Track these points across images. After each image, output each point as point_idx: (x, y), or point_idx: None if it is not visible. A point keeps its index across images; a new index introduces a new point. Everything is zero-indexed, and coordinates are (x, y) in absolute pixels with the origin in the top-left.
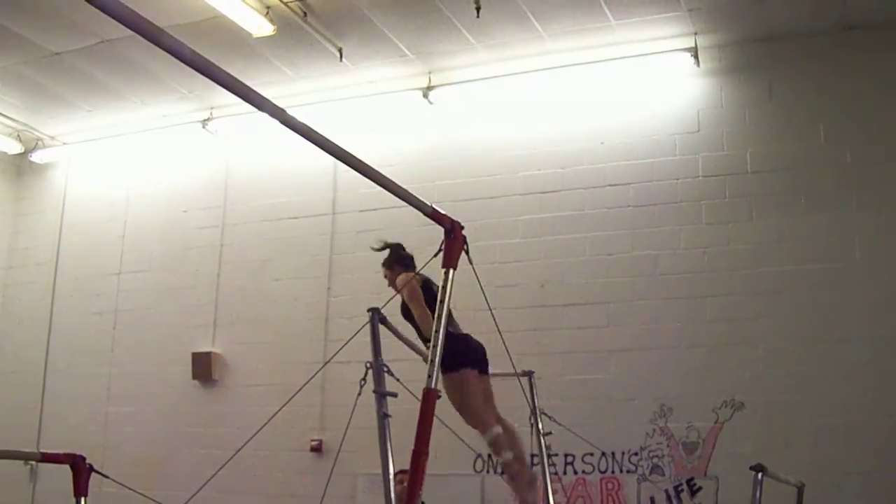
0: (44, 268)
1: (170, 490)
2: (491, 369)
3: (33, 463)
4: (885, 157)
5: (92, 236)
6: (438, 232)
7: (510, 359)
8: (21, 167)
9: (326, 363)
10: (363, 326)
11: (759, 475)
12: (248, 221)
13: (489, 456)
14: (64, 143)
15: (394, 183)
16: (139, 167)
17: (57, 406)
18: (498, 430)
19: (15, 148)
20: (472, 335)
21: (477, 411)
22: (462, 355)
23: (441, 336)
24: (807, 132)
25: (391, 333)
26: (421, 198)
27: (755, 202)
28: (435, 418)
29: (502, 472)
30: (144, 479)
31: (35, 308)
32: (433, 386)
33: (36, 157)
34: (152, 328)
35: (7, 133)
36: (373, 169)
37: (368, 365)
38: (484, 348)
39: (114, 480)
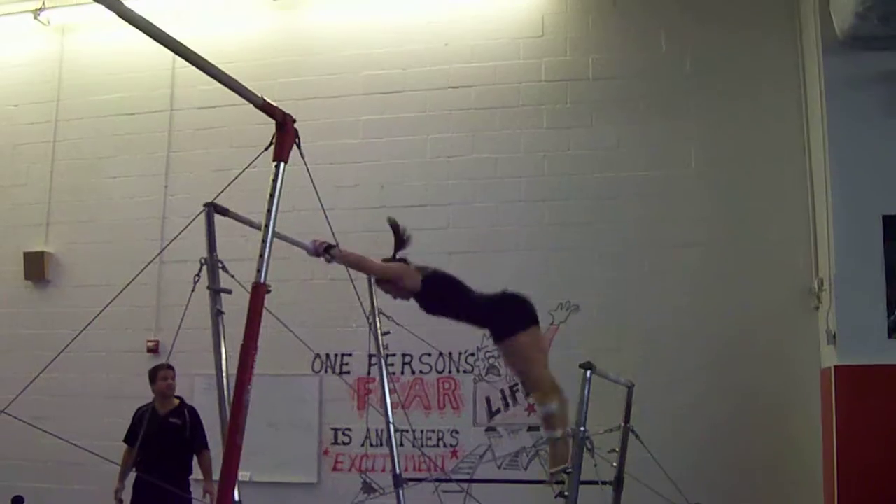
0: None
1: (0, 394)
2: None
3: None
4: (723, 68)
5: None
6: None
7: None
8: None
9: (155, 258)
10: (195, 218)
11: (587, 373)
12: (83, 117)
13: (327, 356)
14: None
15: (226, 75)
16: None
17: None
18: (555, 406)
19: None
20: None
21: (543, 377)
22: (520, 311)
23: (271, 233)
24: (649, 41)
25: (228, 233)
26: (259, 94)
27: (596, 108)
28: (274, 319)
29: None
30: None
31: None
32: (262, 280)
33: None
34: None
35: None
36: (207, 61)
37: (203, 261)
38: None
39: None
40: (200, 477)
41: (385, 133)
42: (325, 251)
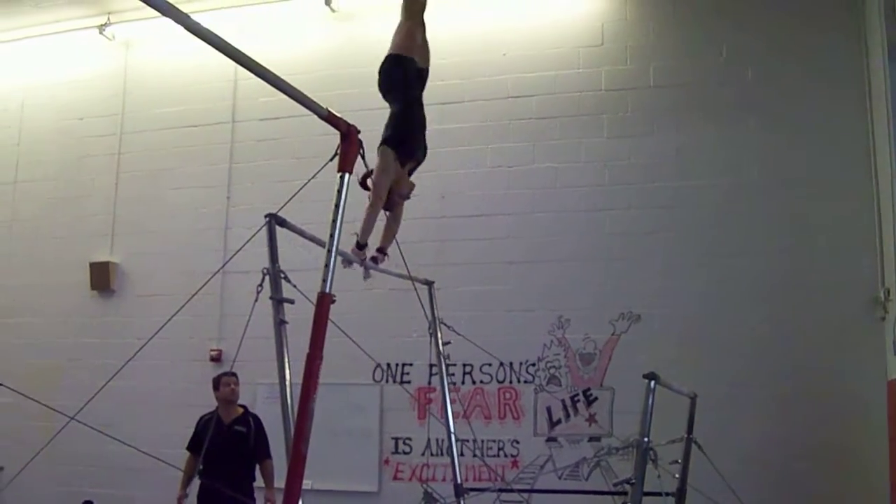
0: None
1: (67, 401)
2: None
3: None
4: (786, 74)
5: None
6: (337, 142)
7: (408, 270)
8: None
9: (219, 270)
10: (259, 230)
11: (652, 383)
12: (147, 129)
13: (388, 365)
14: None
15: (290, 86)
16: (34, 74)
17: None
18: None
19: None
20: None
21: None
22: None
23: (336, 241)
24: (709, 49)
25: (289, 244)
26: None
27: (656, 117)
28: (335, 328)
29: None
30: (42, 390)
31: None
32: (328, 290)
33: None
34: (49, 238)
35: None
36: (274, 74)
37: (265, 271)
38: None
39: (8, 388)
40: (262, 484)
41: (445, 143)
42: (358, 247)
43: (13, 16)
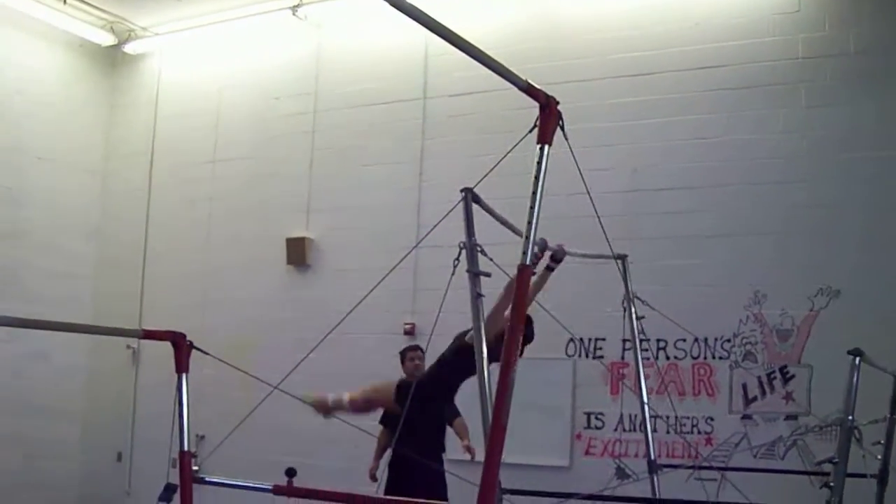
0: (140, 158)
1: (264, 372)
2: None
3: (135, 347)
4: None
5: (186, 126)
6: (530, 117)
7: (608, 241)
8: (115, 59)
9: (417, 244)
10: (456, 205)
11: (857, 360)
12: (339, 108)
13: (581, 340)
14: (156, 34)
15: (493, 60)
16: (231, 56)
17: (156, 292)
18: None
19: (108, 40)
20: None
21: None
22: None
23: (536, 214)
24: None
25: (483, 218)
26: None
27: (857, 85)
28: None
29: None
30: (240, 363)
31: (132, 197)
32: (528, 262)
33: (129, 48)
34: (246, 215)
35: (100, 25)
36: (475, 47)
37: (462, 245)
38: None
39: (214, 357)
40: (451, 457)
41: (636, 116)
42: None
43: (209, 1)
